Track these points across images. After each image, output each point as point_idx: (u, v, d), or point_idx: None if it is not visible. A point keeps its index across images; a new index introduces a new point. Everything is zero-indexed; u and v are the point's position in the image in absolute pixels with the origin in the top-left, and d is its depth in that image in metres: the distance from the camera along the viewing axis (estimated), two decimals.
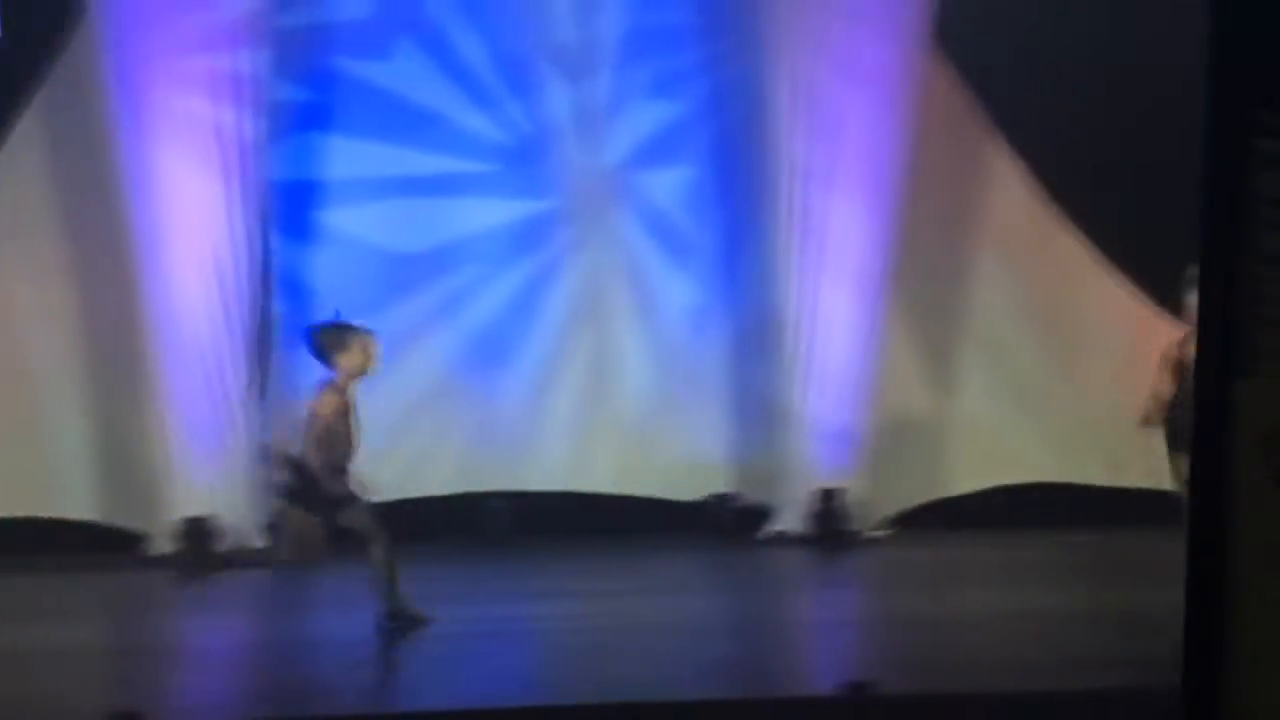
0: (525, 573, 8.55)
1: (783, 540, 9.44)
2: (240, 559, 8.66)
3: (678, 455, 9.68)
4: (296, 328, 9.38)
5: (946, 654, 6.41)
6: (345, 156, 9.62)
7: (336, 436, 6.78)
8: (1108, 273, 9.81)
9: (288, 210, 9.56)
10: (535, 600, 7.79)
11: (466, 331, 9.66)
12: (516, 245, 9.72)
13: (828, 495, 9.43)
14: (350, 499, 6.77)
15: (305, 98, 9.61)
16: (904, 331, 9.88)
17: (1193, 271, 8.05)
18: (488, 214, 9.70)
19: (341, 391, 6.85)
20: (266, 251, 9.31)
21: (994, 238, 9.95)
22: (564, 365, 9.75)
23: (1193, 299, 7.25)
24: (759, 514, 9.64)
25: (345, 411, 6.85)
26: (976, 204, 9.98)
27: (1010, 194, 9.95)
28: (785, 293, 9.52)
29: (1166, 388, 7.45)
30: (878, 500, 9.60)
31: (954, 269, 10.00)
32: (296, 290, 9.57)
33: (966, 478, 9.91)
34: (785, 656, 6.64)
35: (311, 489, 6.76)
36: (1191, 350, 7.24)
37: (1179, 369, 7.39)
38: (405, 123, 9.64)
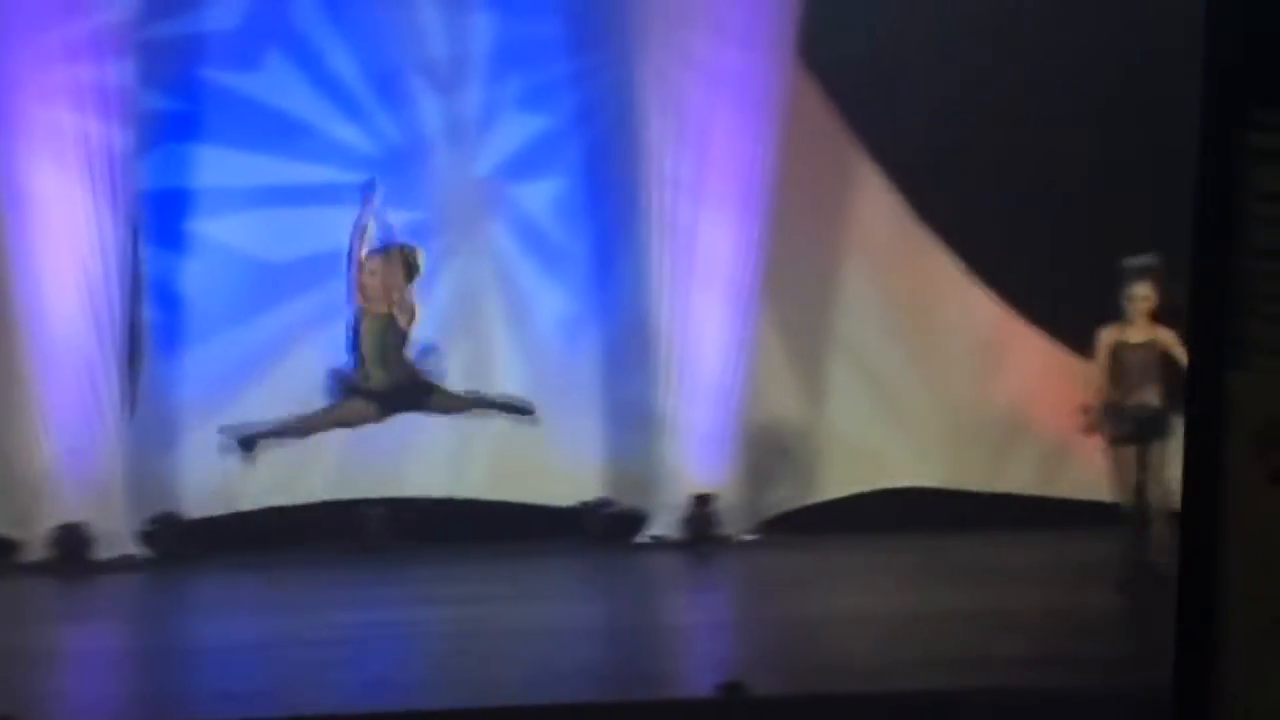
0: (402, 578, 8.57)
1: (657, 545, 9.55)
2: (115, 565, 8.61)
3: (552, 462, 9.76)
4: (168, 336, 9.37)
5: (818, 655, 6.56)
6: (215, 166, 9.61)
7: None
8: (972, 284, 10.06)
9: (158, 220, 9.53)
10: (411, 606, 7.83)
11: (339, 340, 9.64)
12: None
13: (700, 501, 9.57)
14: None
15: (174, 108, 9.57)
16: (774, 340, 10.06)
17: (1135, 261, 8.22)
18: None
19: None
20: (137, 261, 9.27)
21: (861, 249, 10.16)
22: (440, 372, 9.78)
23: (1139, 290, 7.54)
24: (633, 519, 9.75)
25: None
26: (843, 216, 10.19)
27: (876, 206, 10.17)
28: (657, 302, 9.66)
29: (1105, 392, 7.64)
30: (749, 505, 9.76)
31: (822, 279, 10.21)
32: (168, 299, 9.54)
33: (835, 483, 10.10)
34: (660, 659, 6.71)
35: None
36: (1132, 352, 7.54)
37: (1116, 371, 7.58)
38: (275, 133, 9.65)
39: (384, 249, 7.55)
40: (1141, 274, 7.59)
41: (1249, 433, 2.84)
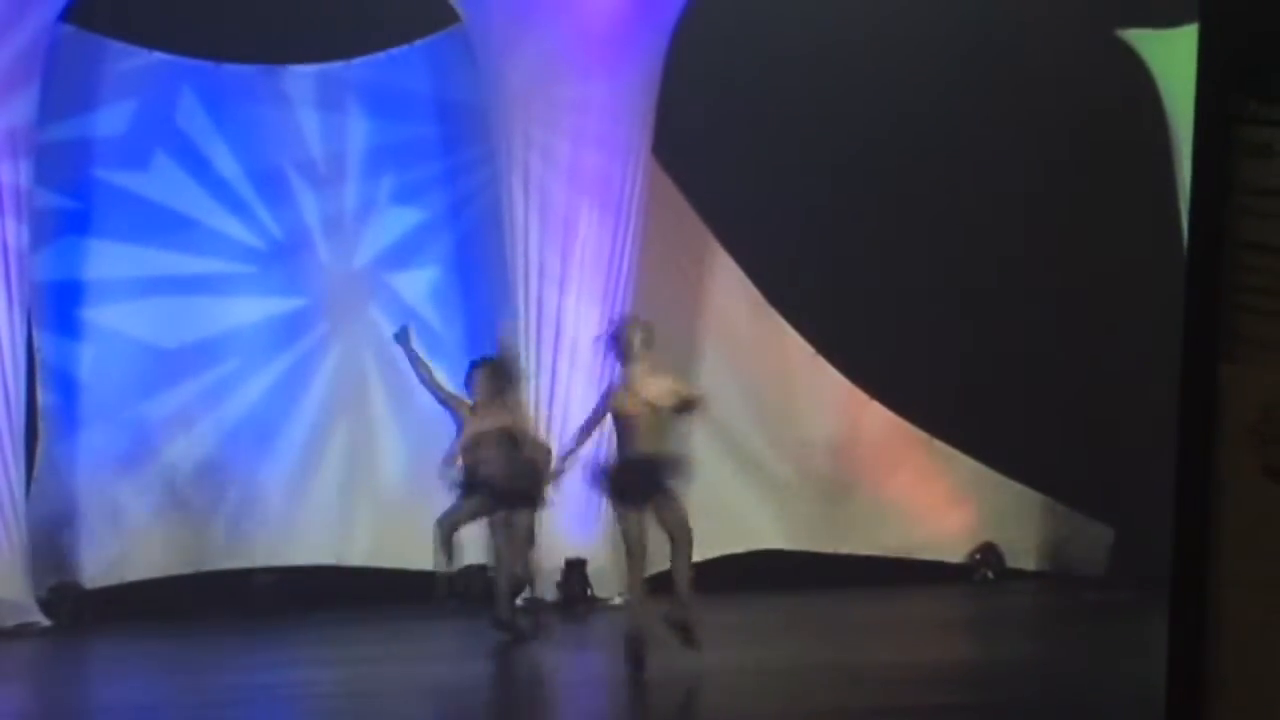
0: (293, 642, 8.87)
1: (533, 607, 9.97)
2: (18, 631, 8.83)
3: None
4: (64, 417, 9.74)
5: (688, 708, 7.03)
6: (107, 258, 10.08)
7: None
8: (821, 362, 10.71)
9: (54, 308, 9.96)
10: (300, 667, 8.13)
11: (231, 419, 10.11)
12: (275, 340, 10.27)
13: (573, 566, 10.04)
14: None
15: (69, 205, 10.06)
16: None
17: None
18: (245, 311, 10.25)
19: None
20: (32, 348, 9.66)
21: (718, 331, 10.78)
22: (324, 448, 10.26)
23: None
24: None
25: None
26: (702, 301, 10.81)
27: (731, 292, 10.81)
28: (529, 380, 10.03)
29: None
30: (619, 569, 10.25)
31: (684, 359, 10.79)
32: (65, 383, 9.94)
33: (699, 547, 10.59)
34: (536, 714, 7.10)
35: None
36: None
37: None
38: (164, 227, 10.14)
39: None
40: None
41: (1241, 426, 2.75)
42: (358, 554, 10.23)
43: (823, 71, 10.13)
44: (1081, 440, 10.43)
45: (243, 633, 9.12)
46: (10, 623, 9.18)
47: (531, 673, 8.42)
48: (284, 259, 10.38)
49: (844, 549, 10.65)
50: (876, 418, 10.76)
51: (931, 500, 10.83)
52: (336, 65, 10.37)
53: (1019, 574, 10.73)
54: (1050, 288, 10.49)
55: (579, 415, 10.14)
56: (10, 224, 9.48)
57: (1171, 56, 9.84)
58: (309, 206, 10.42)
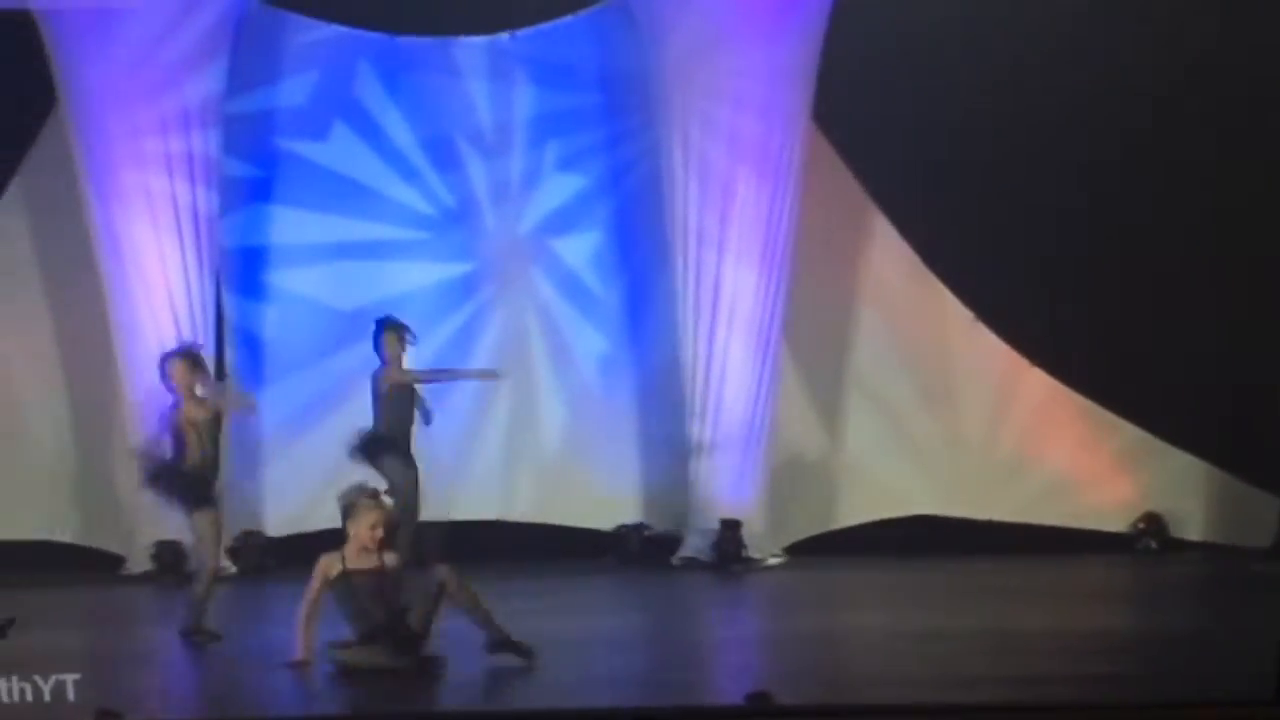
0: None
1: (689, 566, 10.23)
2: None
3: (591, 489, 10.51)
4: (250, 375, 10.31)
5: (837, 668, 7.00)
6: (290, 224, 10.57)
7: None
8: (978, 326, 10.67)
9: (240, 272, 10.51)
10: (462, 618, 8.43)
11: None
12: (444, 302, 10.65)
13: (729, 526, 10.23)
14: None
15: (254, 173, 10.58)
16: (795, 379, 10.75)
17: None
18: (417, 275, 10.64)
19: None
20: (221, 308, 10.22)
21: (875, 295, 10.77)
22: (488, 409, 10.65)
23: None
24: (667, 543, 10.45)
25: None
26: (858, 264, 10.83)
27: (888, 255, 10.81)
28: (686, 345, 10.35)
29: None
30: (773, 531, 10.41)
31: (840, 323, 10.87)
32: (249, 342, 10.50)
33: (852, 511, 10.72)
34: (692, 670, 7.14)
35: None
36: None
37: None
38: (342, 195, 10.58)
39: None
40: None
41: None
42: (519, 510, 10.59)
43: (985, 35, 10.07)
44: (1248, 408, 10.26)
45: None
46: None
47: (687, 629, 8.55)
48: (453, 225, 10.76)
49: (1002, 516, 10.60)
50: (1037, 384, 10.70)
51: (1093, 468, 10.75)
52: (504, 36, 10.64)
53: (1183, 544, 10.58)
54: (1219, 254, 10.32)
55: (736, 378, 10.41)
56: (201, 191, 10.04)
57: None
58: (477, 174, 10.76)
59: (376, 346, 8.99)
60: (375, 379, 8.98)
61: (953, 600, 8.76)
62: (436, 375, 9.44)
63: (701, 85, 10.15)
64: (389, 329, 8.95)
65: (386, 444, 8.86)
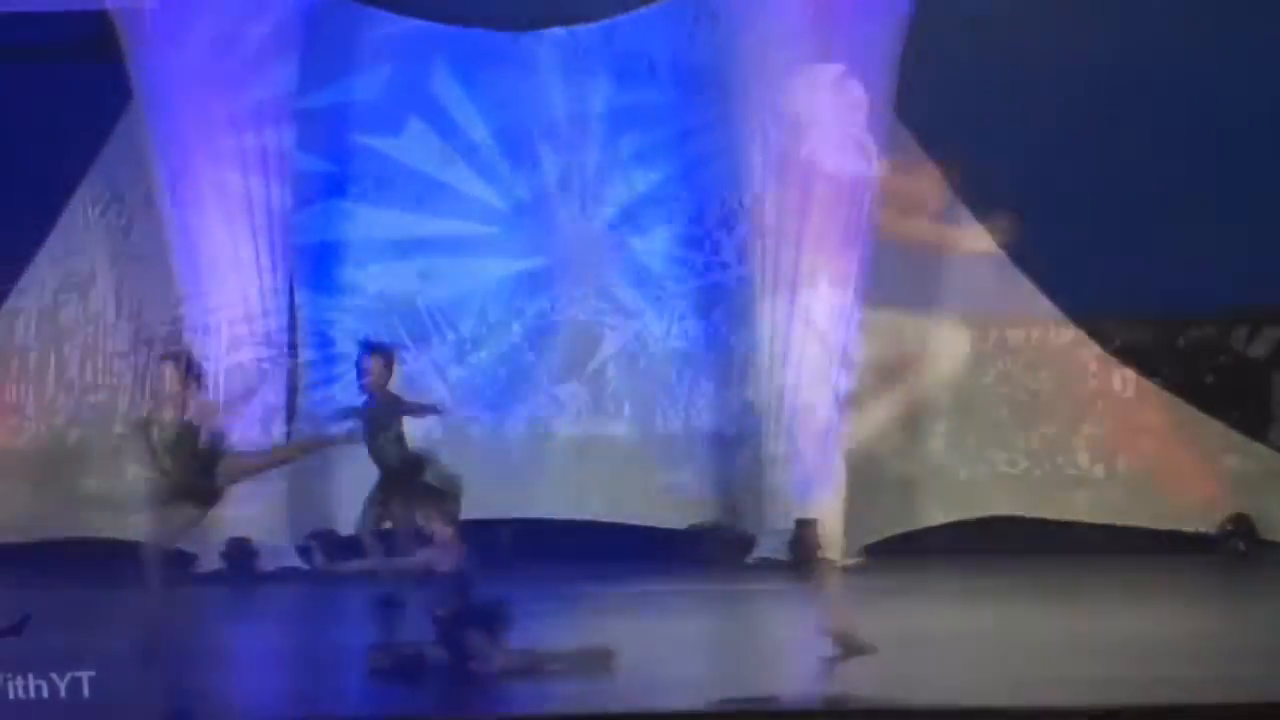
0: (527, 593, 9.17)
1: (764, 566, 10.15)
2: (277, 575, 9.44)
3: (664, 487, 10.44)
4: (321, 371, 10.30)
5: (916, 670, 6.85)
6: (363, 220, 10.57)
7: None
8: (1064, 324, 10.53)
9: (313, 267, 10.51)
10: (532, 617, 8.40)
11: (476, 374, 10.53)
12: (516, 297, 10.62)
13: (804, 525, 10.12)
14: None
15: (327, 169, 10.57)
16: (873, 378, 10.58)
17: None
18: (490, 270, 10.62)
19: None
20: (293, 303, 10.23)
21: (956, 291, 10.58)
22: (562, 404, 10.60)
23: None
24: (741, 542, 10.35)
25: None
26: (940, 260, 10.68)
27: (971, 251, 10.68)
28: (761, 341, 10.28)
29: None
30: (850, 531, 10.29)
31: (919, 321, 10.69)
32: (321, 338, 10.50)
33: (930, 512, 10.61)
34: (766, 671, 7.07)
35: None
36: None
37: None
38: (415, 190, 10.56)
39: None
40: None
41: None
42: (592, 509, 10.52)
43: (1065, 23, 9.94)
44: None
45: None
46: (270, 567, 9.88)
47: (758, 629, 8.51)
48: (527, 220, 10.71)
49: (1083, 517, 10.46)
50: (1125, 382, 10.52)
51: (1181, 467, 10.55)
52: (579, 29, 10.59)
53: (1272, 545, 10.38)
54: None
55: (811, 377, 10.28)
56: (274, 187, 10.05)
57: None
58: (551, 168, 10.70)
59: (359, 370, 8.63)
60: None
61: (1036, 602, 8.68)
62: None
63: (779, 78, 10.06)
64: (374, 353, 8.64)
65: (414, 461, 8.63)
